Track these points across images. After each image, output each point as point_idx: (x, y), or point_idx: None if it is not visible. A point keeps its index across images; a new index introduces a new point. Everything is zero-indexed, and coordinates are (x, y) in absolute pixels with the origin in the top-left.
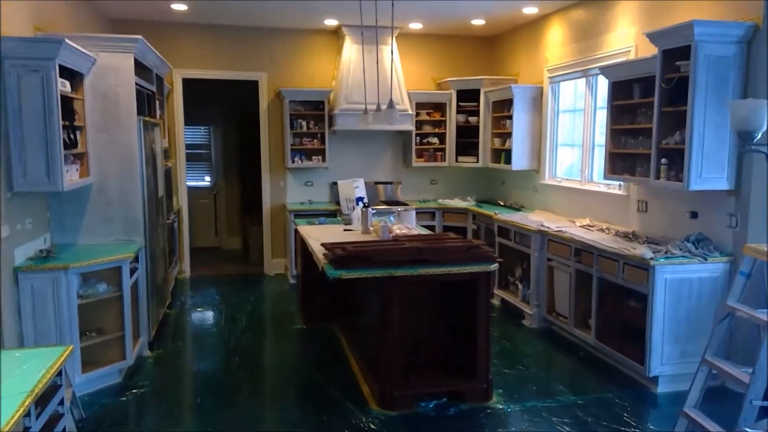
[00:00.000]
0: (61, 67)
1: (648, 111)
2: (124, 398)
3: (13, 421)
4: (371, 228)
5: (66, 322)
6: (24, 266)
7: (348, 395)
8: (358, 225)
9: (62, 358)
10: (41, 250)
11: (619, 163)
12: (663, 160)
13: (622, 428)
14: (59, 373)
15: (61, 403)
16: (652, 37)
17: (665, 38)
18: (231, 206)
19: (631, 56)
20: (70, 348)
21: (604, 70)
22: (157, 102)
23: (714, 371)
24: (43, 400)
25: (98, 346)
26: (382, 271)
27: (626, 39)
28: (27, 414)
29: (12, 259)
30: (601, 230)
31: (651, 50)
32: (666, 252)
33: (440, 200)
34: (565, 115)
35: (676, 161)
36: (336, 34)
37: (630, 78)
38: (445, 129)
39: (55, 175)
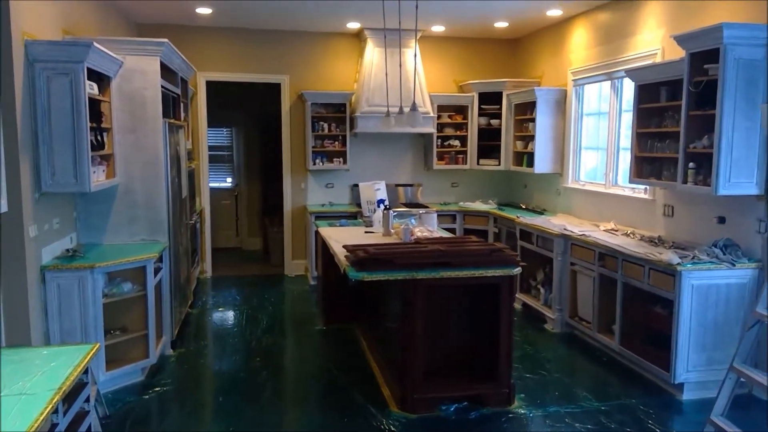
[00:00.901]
0: (89, 69)
1: (675, 114)
2: (147, 396)
3: (42, 418)
4: (392, 230)
5: (91, 321)
6: (51, 265)
7: (368, 397)
8: (380, 227)
9: (89, 356)
10: (68, 250)
11: (645, 167)
12: (690, 164)
13: None
14: (85, 371)
15: (87, 400)
16: (680, 40)
17: (693, 41)
18: (252, 207)
19: (658, 59)
20: (96, 346)
21: (630, 73)
22: (181, 104)
23: (742, 379)
24: (69, 397)
25: (122, 345)
26: (404, 274)
27: (653, 41)
28: (55, 411)
29: (39, 259)
30: (626, 235)
31: (678, 53)
32: (693, 257)
33: (461, 203)
34: (589, 118)
35: (704, 165)
36: (358, 37)
37: (657, 81)
38: (466, 132)
39: (82, 176)
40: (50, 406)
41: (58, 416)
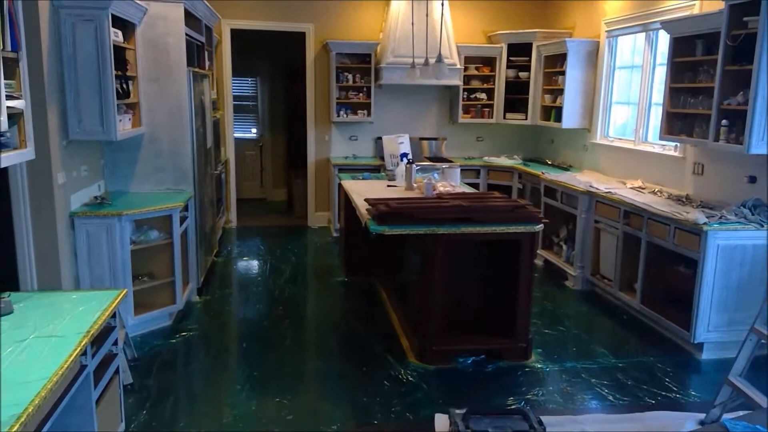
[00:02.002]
0: (113, 16)
1: (710, 69)
2: (174, 340)
3: (71, 359)
4: (415, 184)
5: (120, 267)
6: (80, 212)
7: (387, 348)
8: (402, 181)
9: (116, 301)
10: (96, 197)
11: (676, 124)
12: (723, 122)
13: (663, 392)
14: (113, 315)
15: (115, 343)
16: None
17: None
18: (276, 158)
19: (695, 10)
20: (124, 291)
21: (666, 25)
22: (206, 53)
23: (763, 341)
24: (98, 340)
25: (150, 291)
26: (425, 229)
27: None
28: (83, 353)
29: (68, 205)
30: (653, 193)
31: (717, 5)
32: (720, 217)
33: (486, 158)
34: (621, 71)
35: (737, 123)
36: None
37: (693, 34)
38: (493, 84)
39: (108, 124)
40: (79, 348)
41: (87, 358)
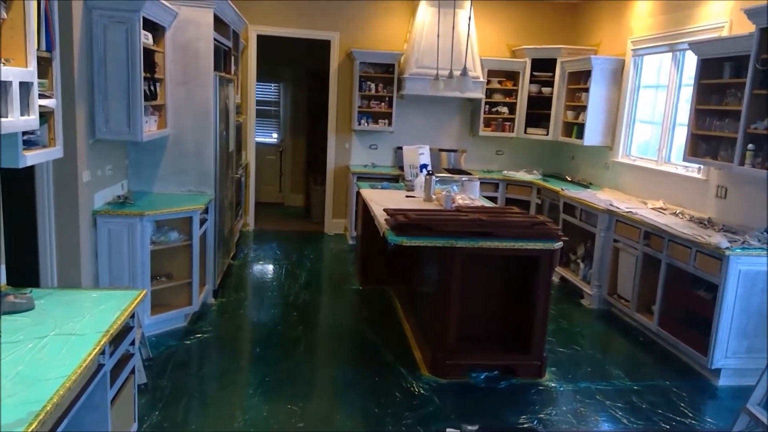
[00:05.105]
0: (144, 19)
1: (738, 92)
2: (189, 342)
3: (90, 358)
4: (434, 196)
5: (139, 266)
6: (102, 210)
7: (400, 359)
8: (421, 192)
9: (136, 302)
10: (119, 196)
11: (701, 145)
12: (750, 146)
13: (678, 418)
14: (132, 315)
15: (132, 343)
16: (751, 13)
17: (765, 15)
18: (296, 164)
19: (725, 33)
20: (144, 292)
21: (694, 46)
22: (232, 58)
23: None
24: (116, 339)
25: (167, 291)
26: (443, 241)
27: (721, 13)
28: (102, 352)
29: (92, 203)
30: (675, 214)
31: (747, 27)
32: (743, 242)
33: (505, 172)
34: (645, 90)
35: (763, 147)
36: None
37: (721, 56)
38: (515, 99)
39: (135, 125)
40: (98, 347)
41: (105, 357)
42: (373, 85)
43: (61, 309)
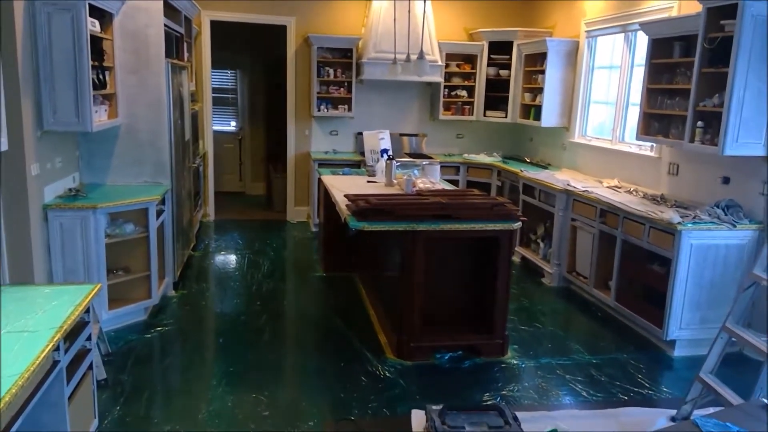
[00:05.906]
0: (90, 6)
1: (687, 71)
2: (149, 335)
3: (43, 356)
4: (395, 181)
5: (94, 260)
6: (53, 204)
7: (365, 343)
8: (382, 177)
9: (90, 296)
10: (70, 189)
11: (653, 124)
12: (699, 123)
13: (636, 389)
14: (87, 310)
15: (89, 338)
16: None
17: None
18: (256, 152)
19: (674, 13)
20: (98, 286)
21: (645, 26)
22: (185, 44)
23: (733, 339)
24: (71, 335)
25: (125, 285)
26: (404, 225)
27: None
28: (56, 348)
29: (41, 197)
30: (629, 192)
31: (695, 7)
32: (694, 217)
33: (465, 155)
34: (600, 71)
35: (712, 125)
36: None
37: (671, 36)
38: (474, 82)
39: (84, 115)
40: (51, 343)
41: (60, 354)
42: (331, 71)
43: (13, 306)
